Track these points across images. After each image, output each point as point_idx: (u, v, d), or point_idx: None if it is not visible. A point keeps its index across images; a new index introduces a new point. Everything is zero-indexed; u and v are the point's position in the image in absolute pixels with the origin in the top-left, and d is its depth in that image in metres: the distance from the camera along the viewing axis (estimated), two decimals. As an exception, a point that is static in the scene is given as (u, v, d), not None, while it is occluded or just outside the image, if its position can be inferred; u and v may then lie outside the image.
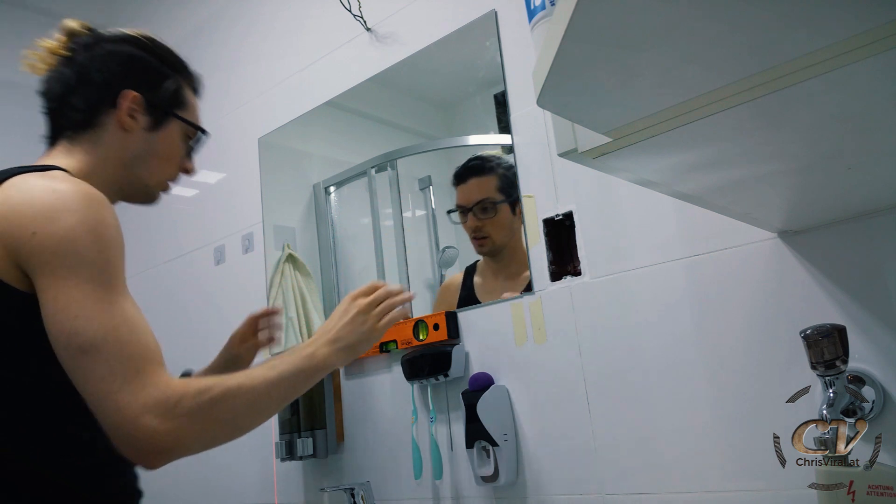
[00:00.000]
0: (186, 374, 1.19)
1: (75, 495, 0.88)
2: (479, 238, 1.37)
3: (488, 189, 1.34)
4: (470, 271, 1.40)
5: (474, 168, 1.39)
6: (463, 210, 1.38)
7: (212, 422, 0.84)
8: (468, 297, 1.35)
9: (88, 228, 0.82)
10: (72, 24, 1.07)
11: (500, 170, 1.34)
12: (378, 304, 1.04)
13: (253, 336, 1.27)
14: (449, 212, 1.42)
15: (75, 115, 1.02)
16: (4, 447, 0.84)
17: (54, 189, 0.85)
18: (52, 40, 1.06)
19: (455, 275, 1.42)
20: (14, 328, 0.85)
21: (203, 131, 1.13)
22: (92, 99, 1.02)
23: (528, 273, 1.23)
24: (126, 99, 1.02)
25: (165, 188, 1.11)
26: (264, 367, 0.92)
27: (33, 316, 0.82)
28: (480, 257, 1.38)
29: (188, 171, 1.14)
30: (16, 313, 0.84)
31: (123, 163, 1.03)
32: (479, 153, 1.41)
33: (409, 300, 1.12)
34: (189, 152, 1.13)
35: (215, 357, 1.28)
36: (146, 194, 1.08)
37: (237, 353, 1.26)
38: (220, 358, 1.27)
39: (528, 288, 1.21)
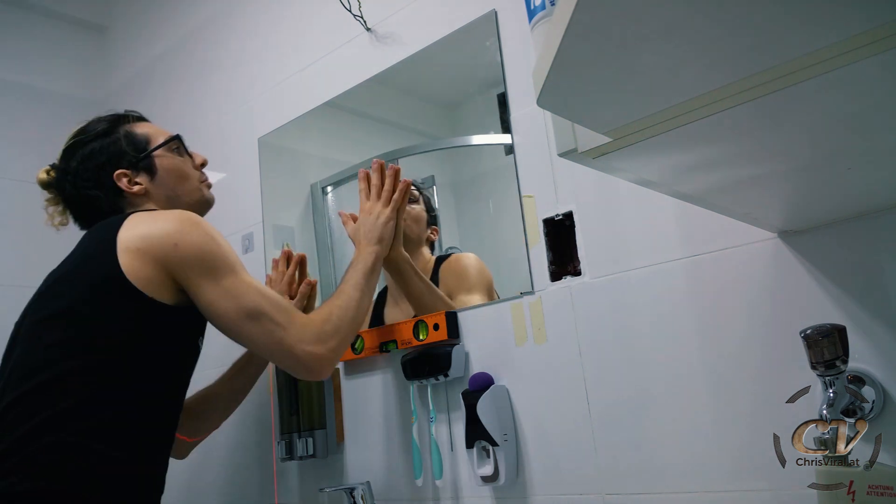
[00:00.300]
0: None
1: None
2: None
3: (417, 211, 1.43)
4: (380, 297, 1.47)
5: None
6: None
7: (342, 334, 1.13)
8: (374, 321, 1.44)
9: (209, 235, 1.10)
10: (41, 176, 1.27)
11: (423, 196, 1.45)
12: (379, 198, 1.28)
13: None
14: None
15: (106, 216, 1.20)
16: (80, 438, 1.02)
17: (172, 214, 1.12)
18: (47, 196, 1.28)
19: None
20: (132, 329, 1.07)
21: (175, 138, 1.30)
22: (105, 203, 1.23)
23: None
24: (119, 179, 1.22)
25: (207, 187, 1.34)
26: (345, 284, 1.19)
27: (153, 321, 1.08)
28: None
29: (202, 163, 1.35)
30: (138, 317, 1.07)
31: (166, 208, 1.22)
32: (480, 152, 1.41)
33: (397, 173, 1.30)
34: (188, 154, 1.32)
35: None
36: (200, 204, 1.30)
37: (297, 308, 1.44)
38: None
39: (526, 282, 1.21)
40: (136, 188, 1.22)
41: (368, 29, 1.53)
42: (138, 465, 1.08)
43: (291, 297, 1.44)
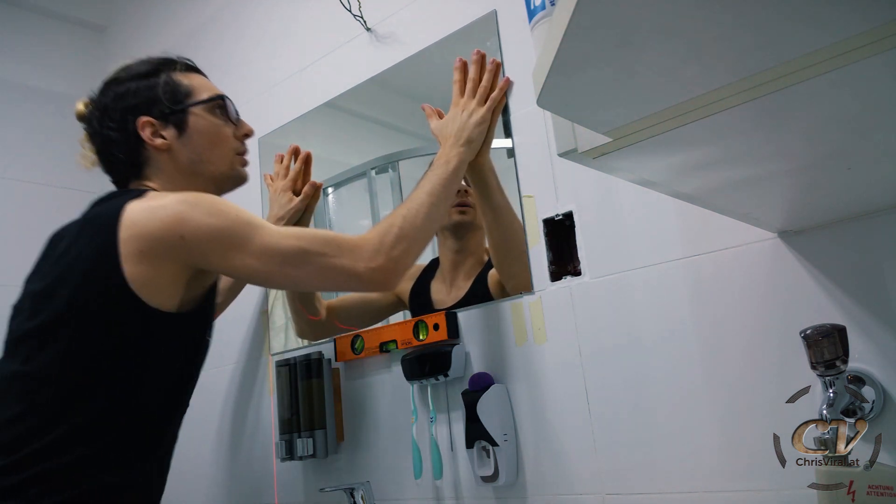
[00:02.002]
0: None
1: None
2: (463, 205, 1.36)
3: None
4: (432, 266, 1.43)
5: None
6: None
7: (407, 242, 1.05)
8: (419, 290, 1.40)
9: (213, 210, 1.00)
10: (80, 108, 1.18)
11: None
12: (475, 94, 1.18)
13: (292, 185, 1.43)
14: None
15: (125, 167, 1.13)
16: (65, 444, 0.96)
17: (168, 202, 1.01)
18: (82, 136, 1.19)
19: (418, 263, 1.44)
20: (137, 342, 1.00)
21: (219, 97, 1.17)
22: (123, 149, 1.12)
23: (481, 270, 1.28)
24: (142, 127, 1.11)
25: (242, 163, 1.20)
26: (418, 190, 1.11)
27: (160, 333, 1.01)
28: (448, 251, 1.39)
29: (248, 133, 1.21)
30: (144, 329, 1.00)
31: (188, 172, 1.13)
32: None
33: (498, 68, 1.21)
34: (232, 120, 1.18)
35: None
36: (231, 179, 1.18)
37: (297, 208, 1.41)
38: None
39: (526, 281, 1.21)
40: (158, 141, 1.10)
41: (368, 29, 1.53)
42: (136, 480, 1.03)
43: (296, 194, 1.41)
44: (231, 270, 1.02)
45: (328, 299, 1.52)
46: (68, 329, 0.99)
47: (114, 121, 1.11)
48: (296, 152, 1.45)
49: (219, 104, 1.17)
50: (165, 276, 1.00)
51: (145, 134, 1.10)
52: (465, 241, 1.37)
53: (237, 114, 1.20)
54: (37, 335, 1.00)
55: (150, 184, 1.12)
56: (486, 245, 1.32)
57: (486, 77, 1.18)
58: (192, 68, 1.20)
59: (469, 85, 1.19)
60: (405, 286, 1.44)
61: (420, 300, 1.41)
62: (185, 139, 1.12)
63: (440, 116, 1.24)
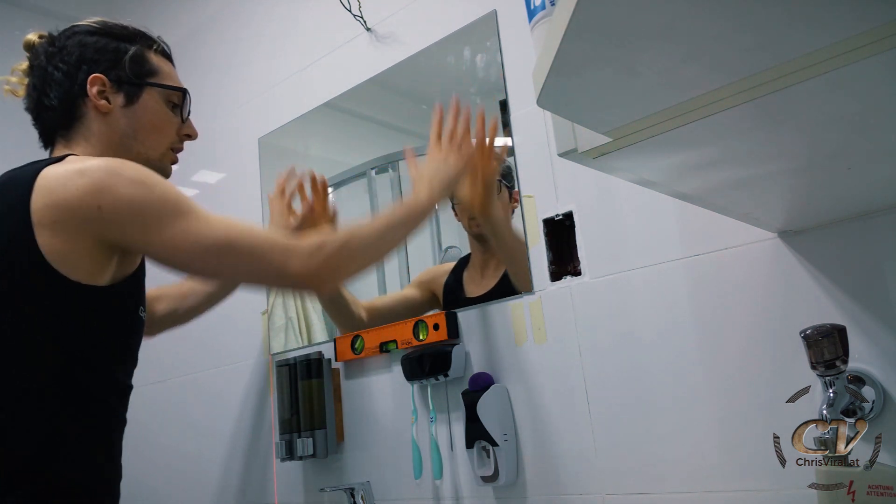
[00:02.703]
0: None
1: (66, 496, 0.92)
2: (474, 217, 1.33)
3: None
4: (463, 262, 1.41)
5: None
6: None
7: (348, 252, 0.99)
8: (453, 284, 1.36)
9: (138, 181, 0.92)
10: (30, 37, 1.11)
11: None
12: (452, 137, 1.16)
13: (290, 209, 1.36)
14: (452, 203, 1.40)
15: (55, 114, 1.06)
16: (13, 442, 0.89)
17: (88, 167, 0.92)
18: (23, 61, 1.11)
19: (448, 262, 1.43)
20: (65, 321, 0.92)
21: (181, 90, 1.12)
22: (61, 94, 1.05)
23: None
24: (92, 82, 1.04)
25: (172, 159, 1.13)
26: (381, 214, 1.07)
27: (86, 309, 0.93)
28: (477, 250, 1.38)
29: (190, 135, 1.15)
30: (68, 306, 0.92)
31: (115, 144, 1.05)
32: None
33: (482, 118, 1.20)
34: (182, 116, 1.13)
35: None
36: (155, 169, 1.07)
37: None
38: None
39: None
40: (101, 102, 1.04)
41: (368, 29, 1.53)
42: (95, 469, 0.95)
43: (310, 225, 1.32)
44: (148, 250, 0.94)
45: (365, 299, 1.50)
46: None
47: (66, 63, 1.05)
48: (313, 180, 1.37)
49: (176, 96, 1.11)
50: (82, 250, 0.91)
51: (92, 90, 1.04)
52: (489, 243, 1.36)
53: (189, 113, 1.15)
54: None
55: (72, 147, 1.05)
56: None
57: (459, 125, 1.17)
58: (166, 55, 1.15)
59: (445, 134, 1.17)
60: (440, 281, 1.43)
61: (454, 295, 1.39)
62: (129, 112, 1.06)
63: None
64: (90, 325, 0.94)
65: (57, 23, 1.12)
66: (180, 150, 1.14)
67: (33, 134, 1.13)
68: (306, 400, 1.42)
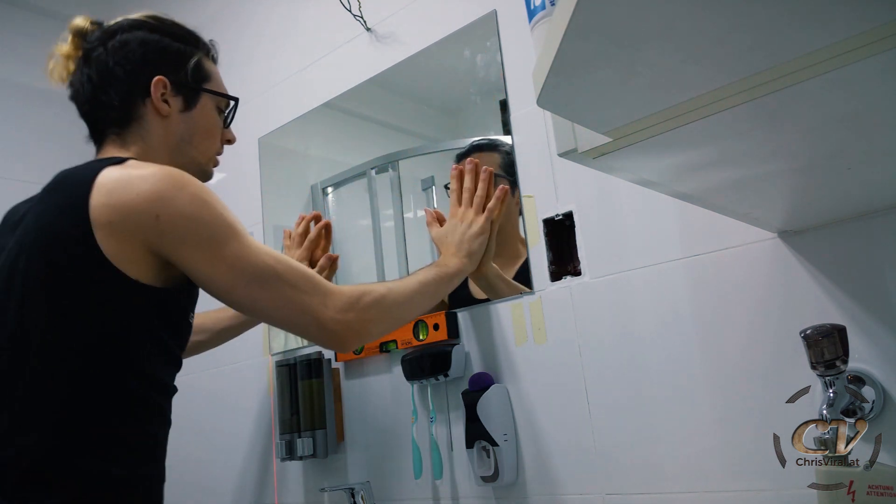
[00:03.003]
0: None
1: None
2: None
3: (491, 163, 1.28)
4: None
5: (479, 145, 1.37)
6: None
7: (382, 311, 1.00)
8: (460, 295, 1.35)
9: (198, 197, 0.92)
10: (80, 22, 1.09)
11: (503, 149, 1.31)
12: (472, 204, 1.17)
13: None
14: (446, 186, 1.35)
15: (113, 112, 1.05)
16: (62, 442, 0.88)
17: (151, 174, 0.91)
18: (65, 44, 1.08)
19: None
20: (123, 318, 0.92)
21: (234, 99, 1.14)
22: (123, 93, 1.04)
23: (520, 261, 1.23)
24: (156, 85, 1.04)
25: (215, 163, 1.15)
26: (411, 276, 1.09)
27: (144, 308, 0.93)
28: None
29: (230, 140, 1.17)
30: (128, 303, 0.92)
31: (171, 148, 1.06)
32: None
33: (490, 175, 1.19)
34: (226, 122, 1.15)
35: None
36: (203, 173, 1.10)
37: None
38: None
39: (524, 279, 1.21)
40: (162, 105, 1.04)
41: (368, 29, 1.53)
42: (139, 473, 0.94)
43: (312, 265, 1.34)
44: (194, 270, 0.92)
45: None
46: (41, 296, 0.90)
47: (130, 62, 1.03)
48: (316, 219, 1.39)
49: (226, 104, 1.14)
50: (134, 252, 0.90)
51: (155, 92, 1.04)
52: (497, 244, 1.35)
53: (232, 119, 1.17)
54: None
55: (127, 147, 1.04)
56: (521, 236, 1.29)
57: (480, 186, 1.17)
58: (215, 60, 1.17)
59: (465, 195, 1.18)
60: None
61: (459, 295, 1.37)
62: (187, 117, 1.07)
63: (440, 223, 1.22)
64: (146, 325, 0.94)
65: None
66: (221, 153, 1.16)
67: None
68: (306, 400, 1.42)
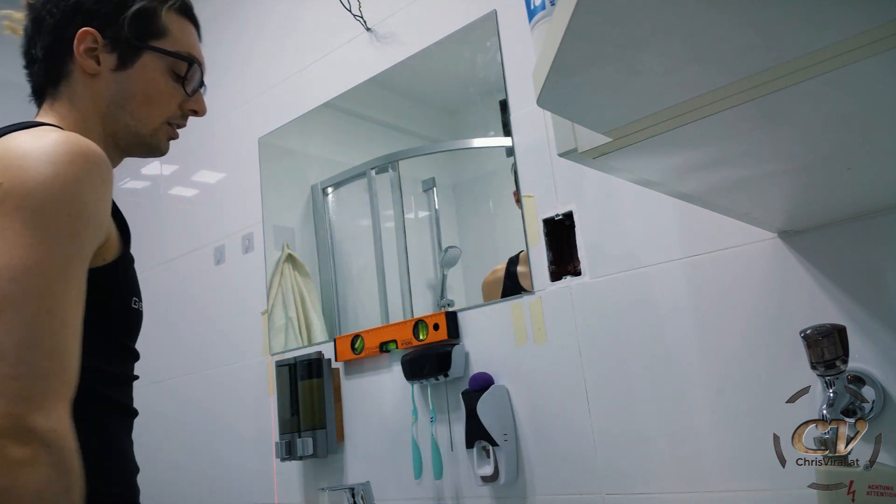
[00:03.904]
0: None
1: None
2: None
3: None
4: (513, 261, 1.40)
5: None
6: None
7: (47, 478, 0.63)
8: (512, 287, 1.34)
9: (61, 184, 0.71)
10: None
11: None
12: None
13: None
14: None
15: (40, 68, 0.93)
16: None
17: (35, 142, 0.74)
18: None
19: (496, 267, 1.41)
20: None
21: (189, 59, 0.95)
22: (48, 45, 0.90)
23: None
24: (81, 38, 0.88)
25: (169, 134, 0.96)
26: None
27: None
28: (522, 248, 1.37)
29: (197, 111, 0.98)
30: None
31: (101, 113, 0.91)
32: (480, 154, 1.41)
33: None
34: (188, 88, 0.95)
35: None
36: (144, 145, 0.94)
37: None
38: None
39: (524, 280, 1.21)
40: (88, 62, 0.89)
41: (368, 29, 1.53)
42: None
43: None
44: None
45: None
46: None
47: (60, 10, 0.89)
48: None
49: (182, 67, 0.94)
50: None
51: (79, 47, 0.88)
52: None
53: (199, 87, 0.98)
54: None
55: (55, 110, 0.91)
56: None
57: None
58: (187, 14, 1.01)
59: None
60: (500, 275, 1.41)
61: (512, 286, 1.35)
62: (121, 76, 0.90)
63: None
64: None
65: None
66: (182, 125, 0.98)
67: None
68: (306, 400, 1.42)
